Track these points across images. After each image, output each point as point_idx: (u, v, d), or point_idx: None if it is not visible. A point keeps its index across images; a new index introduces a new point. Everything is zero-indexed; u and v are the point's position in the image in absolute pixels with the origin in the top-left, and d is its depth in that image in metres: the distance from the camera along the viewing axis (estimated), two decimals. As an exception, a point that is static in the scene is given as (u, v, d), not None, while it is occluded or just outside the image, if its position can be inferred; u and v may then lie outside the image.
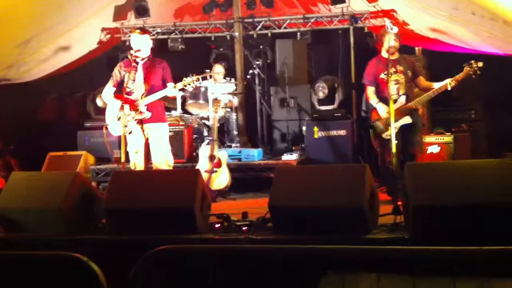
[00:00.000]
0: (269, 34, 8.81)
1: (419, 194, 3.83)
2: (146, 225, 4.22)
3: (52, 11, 7.80)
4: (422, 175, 3.98)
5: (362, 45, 8.37)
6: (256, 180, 7.14)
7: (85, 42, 8.88)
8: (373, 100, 5.90)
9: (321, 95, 8.17)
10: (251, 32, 8.83)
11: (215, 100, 6.89)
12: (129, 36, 8.94)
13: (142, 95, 5.47)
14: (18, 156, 7.98)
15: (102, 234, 4.35)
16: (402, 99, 5.75)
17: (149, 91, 5.48)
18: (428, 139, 6.68)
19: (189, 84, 5.53)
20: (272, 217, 4.17)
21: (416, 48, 7.61)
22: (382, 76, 5.81)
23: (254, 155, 7.42)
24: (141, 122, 5.46)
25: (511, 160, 4.19)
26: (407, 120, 5.75)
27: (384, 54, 5.88)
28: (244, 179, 7.23)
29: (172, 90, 5.49)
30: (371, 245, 3.74)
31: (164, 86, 5.56)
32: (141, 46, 5.52)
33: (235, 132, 7.94)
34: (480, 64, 5.43)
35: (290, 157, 7.36)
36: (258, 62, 8.63)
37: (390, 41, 5.64)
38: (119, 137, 5.48)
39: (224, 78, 8.25)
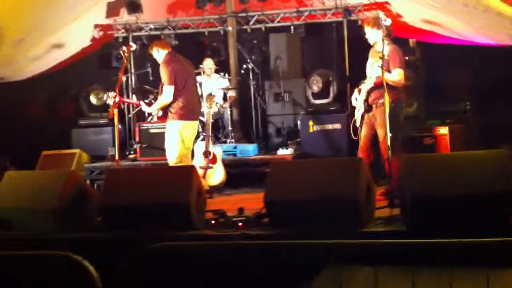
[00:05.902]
0: (263, 29, 8.77)
1: (416, 185, 3.83)
2: (141, 222, 4.20)
3: (44, 9, 7.75)
4: (418, 167, 3.98)
5: (356, 38, 8.33)
6: (251, 175, 7.13)
7: (78, 39, 8.82)
8: None
9: (315, 89, 8.12)
10: (244, 27, 8.79)
11: (209, 96, 6.85)
12: (122, 32, 8.96)
13: None
14: (12, 156, 7.91)
15: (96, 232, 4.32)
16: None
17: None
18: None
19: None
20: (268, 212, 4.15)
21: (410, 40, 7.60)
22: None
23: (249, 150, 7.40)
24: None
25: (506, 151, 4.19)
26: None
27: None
28: (240, 174, 7.21)
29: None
30: (368, 238, 3.73)
31: None
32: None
33: (230, 128, 7.91)
34: None
35: (285, 152, 7.34)
36: (255, 57, 8.61)
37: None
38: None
39: (218, 73, 8.21)
